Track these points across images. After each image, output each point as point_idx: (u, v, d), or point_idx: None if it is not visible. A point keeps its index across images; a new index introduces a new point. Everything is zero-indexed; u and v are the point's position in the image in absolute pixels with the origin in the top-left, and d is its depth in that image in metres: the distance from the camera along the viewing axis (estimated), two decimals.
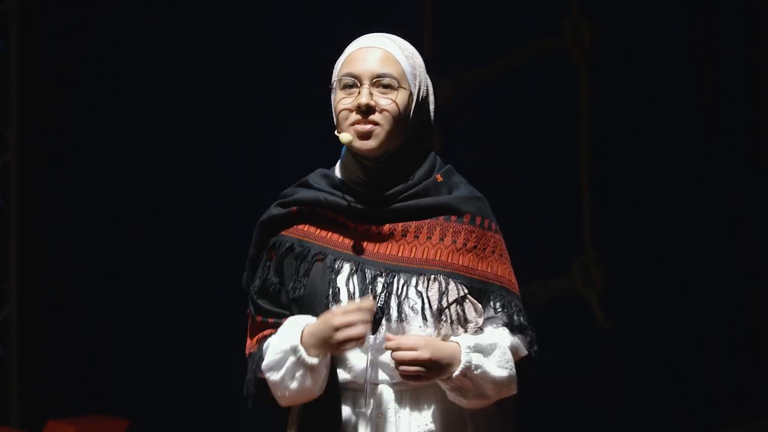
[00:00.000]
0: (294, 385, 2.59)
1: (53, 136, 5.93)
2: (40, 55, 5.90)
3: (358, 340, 2.54)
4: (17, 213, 5.89)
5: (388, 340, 2.57)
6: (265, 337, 2.68)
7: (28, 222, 5.92)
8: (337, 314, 2.54)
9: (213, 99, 5.70)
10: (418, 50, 2.80)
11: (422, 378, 2.57)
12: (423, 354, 2.55)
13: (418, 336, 2.60)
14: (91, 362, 5.83)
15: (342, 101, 2.70)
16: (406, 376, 2.56)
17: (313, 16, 5.60)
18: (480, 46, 5.34)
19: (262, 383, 2.66)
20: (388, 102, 2.66)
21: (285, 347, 2.60)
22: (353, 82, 2.69)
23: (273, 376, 2.62)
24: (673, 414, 5.13)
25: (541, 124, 5.41)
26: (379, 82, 2.67)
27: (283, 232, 2.72)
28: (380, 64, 2.68)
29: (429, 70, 2.81)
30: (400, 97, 2.67)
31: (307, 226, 2.71)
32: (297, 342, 2.58)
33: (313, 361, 2.56)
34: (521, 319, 2.70)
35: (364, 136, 2.66)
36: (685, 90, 5.14)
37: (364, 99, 2.66)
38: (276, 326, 2.67)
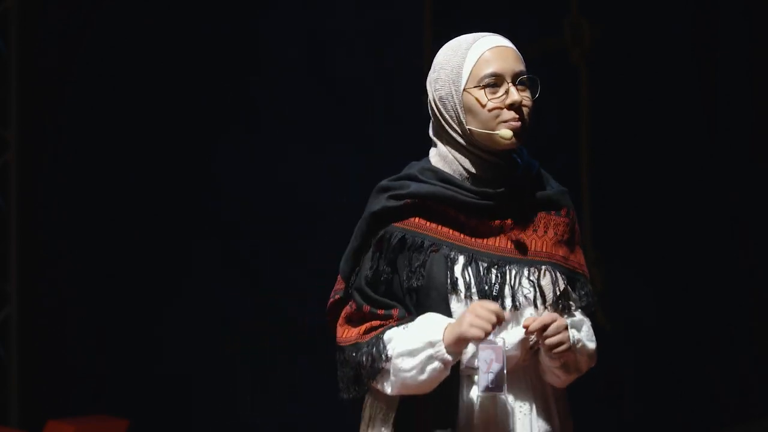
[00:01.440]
0: (423, 377, 2.68)
1: (53, 136, 5.93)
2: (40, 55, 5.90)
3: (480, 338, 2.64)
4: (17, 213, 5.89)
5: (525, 327, 2.68)
6: (374, 328, 2.75)
7: (28, 222, 5.91)
8: (472, 311, 2.64)
9: (212, 99, 5.70)
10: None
11: (564, 345, 2.70)
12: (562, 321, 2.69)
13: (549, 314, 2.72)
14: (91, 362, 5.82)
15: (490, 101, 2.77)
16: (551, 348, 2.68)
17: (312, 16, 5.60)
18: None
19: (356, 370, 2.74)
20: (528, 99, 2.80)
21: (424, 339, 2.68)
22: (495, 81, 2.77)
23: (404, 363, 2.69)
24: (673, 414, 5.13)
25: (541, 124, 5.40)
26: (519, 80, 2.79)
27: (394, 224, 2.77)
28: (517, 62, 2.81)
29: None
30: (532, 94, 2.82)
31: (418, 219, 2.77)
32: (438, 337, 2.66)
33: (449, 357, 2.66)
34: (593, 306, 2.88)
35: (517, 134, 2.76)
36: (685, 90, 5.14)
37: (517, 97, 2.77)
38: (385, 318, 2.74)
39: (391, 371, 2.70)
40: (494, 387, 2.69)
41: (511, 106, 2.76)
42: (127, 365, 5.74)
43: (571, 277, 2.82)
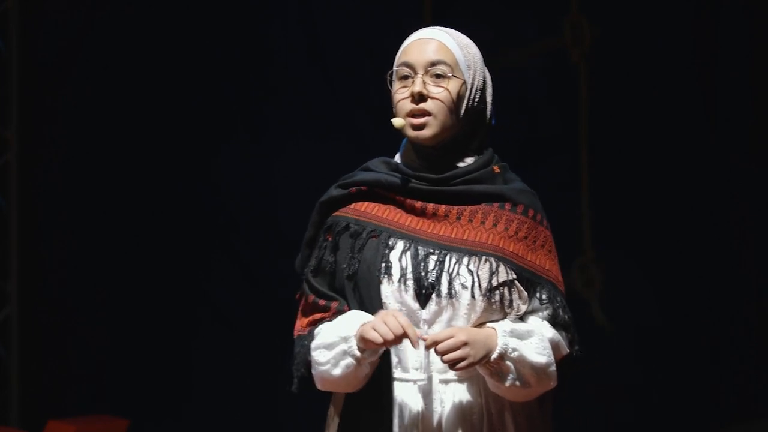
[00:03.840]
0: (337, 371, 2.67)
1: (53, 136, 5.93)
2: (40, 54, 5.89)
3: (379, 345, 2.60)
4: (17, 213, 5.89)
5: (423, 339, 2.63)
6: (316, 322, 2.76)
7: (28, 222, 5.91)
8: (382, 316, 2.62)
9: (213, 99, 5.70)
10: None
11: (465, 362, 2.61)
12: (460, 336, 2.60)
13: (450, 327, 2.66)
14: (91, 362, 5.82)
15: (398, 92, 2.77)
16: (452, 364, 2.61)
17: (313, 21, 5.60)
18: (480, 46, 5.34)
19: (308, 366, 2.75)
20: (440, 90, 2.74)
21: (340, 334, 2.67)
22: (408, 73, 2.76)
23: (320, 357, 2.70)
24: (673, 414, 5.13)
25: (541, 124, 5.41)
26: (432, 71, 2.74)
27: (339, 212, 2.79)
28: (434, 53, 2.76)
29: None
30: (453, 85, 2.75)
31: (364, 206, 2.78)
32: (351, 333, 2.65)
33: (359, 354, 2.64)
34: (566, 316, 2.77)
35: (418, 128, 2.73)
36: (685, 90, 5.14)
37: (417, 87, 2.73)
38: (326, 309, 2.75)
39: (312, 364, 2.71)
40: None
41: (412, 97, 2.73)
42: (127, 365, 5.74)
43: (529, 278, 2.74)
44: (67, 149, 5.87)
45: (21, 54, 5.87)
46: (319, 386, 2.74)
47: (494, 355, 2.63)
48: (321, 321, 2.75)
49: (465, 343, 2.60)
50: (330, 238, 2.77)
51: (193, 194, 5.70)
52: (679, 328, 5.14)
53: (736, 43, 5.10)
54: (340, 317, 2.71)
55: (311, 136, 5.52)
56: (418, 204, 2.75)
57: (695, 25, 5.15)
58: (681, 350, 5.13)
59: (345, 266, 2.73)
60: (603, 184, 5.28)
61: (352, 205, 2.79)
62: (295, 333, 2.81)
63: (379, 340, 2.58)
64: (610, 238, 5.27)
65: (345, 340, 2.65)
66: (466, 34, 2.87)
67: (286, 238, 5.75)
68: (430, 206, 2.74)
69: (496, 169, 2.80)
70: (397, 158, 2.83)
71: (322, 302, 2.76)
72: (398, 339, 2.59)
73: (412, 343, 2.60)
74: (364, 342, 2.62)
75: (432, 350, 2.62)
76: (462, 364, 2.60)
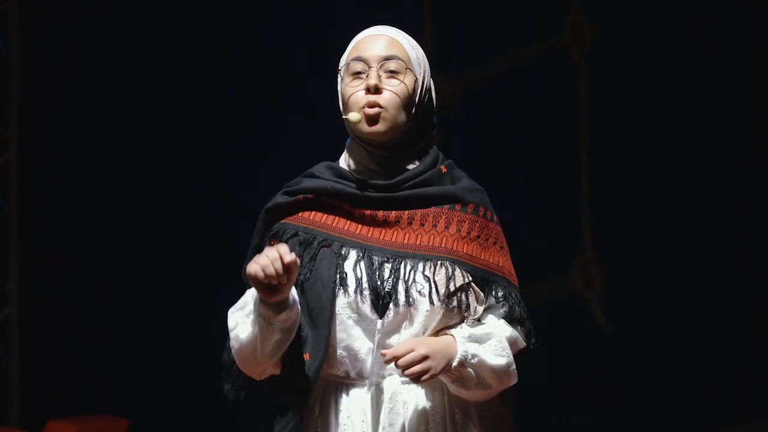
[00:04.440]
0: (244, 334, 2.64)
1: (53, 136, 5.93)
2: (40, 54, 5.89)
3: (261, 278, 2.54)
4: (17, 213, 5.89)
5: (382, 355, 2.60)
6: None
7: (28, 222, 5.91)
8: (267, 249, 2.58)
9: (213, 98, 5.70)
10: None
11: (428, 374, 2.58)
12: (420, 350, 2.57)
13: (409, 340, 2.62)
14: (91, 362, 5.82)
15: (350, 86, 2.73)
16: (414, 378, 2.59)
17: (311, 16, 5.60)
18: (480, 46, 5.34)
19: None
20: (396, 83, 2.70)
21: (247, 296, 2.68)
22: (361, 67, 2.73)
23: (231, 321, 2.68)
24: (673, 414, 5.13)
25: (541, 124, 5.41)
26: (386, 66, 2.71)
27: (287, 220, 2.75)
28: (387, 48, 2.74)
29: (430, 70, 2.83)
30: (407, 79, 2.72)
31: (312, 215, 2.73)
32: (255, 292, 2.61)
33: (261, 308, 2.58)
34: (521, 311, 2.74)
35: (372, 120, 2.69)
36: (685, 90, 5.14)
37: (372, 80, 2.69)
38: None
39: (230, 335, 2.70)
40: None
41: (367, 90, 2.69)
42: (127, 365, 5.74)
43: (483, 278, 2.71)
44: (67, 149, 5.87)
45: (21, 54, 5.87)
46: (238, 362, 2.71)
47: (455, 363, 2.61)
48: None
49: (426, 357, 2.57)
50: (275, 245, 2.68)
51: (193, 194, 5.70)
52: (679, 328, 5.14)
53: (736, 43, 5.09)
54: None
55: (311, 135, 5.52)
56: (368, 211, 2.70)
57: (695, 25, 5.15)
58: (681, 350, 5.12)
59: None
60: (603, 184, 5.28)
61: (300, 214, 2.74)
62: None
63: (260, 272, 2.53)
64: (610, 238, 5.26)
65: (252, 297, 2.63)
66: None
67: None
68: (381, 213, 2.70)
69: (443, 169, 2.76)
70: (342, 162, 2.78)
71: None
72: (280, 269, 2.52)
73: (289, 264, 2.53)
74: (255, 287, 2.56)
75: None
76: (424, 377, 2.58)
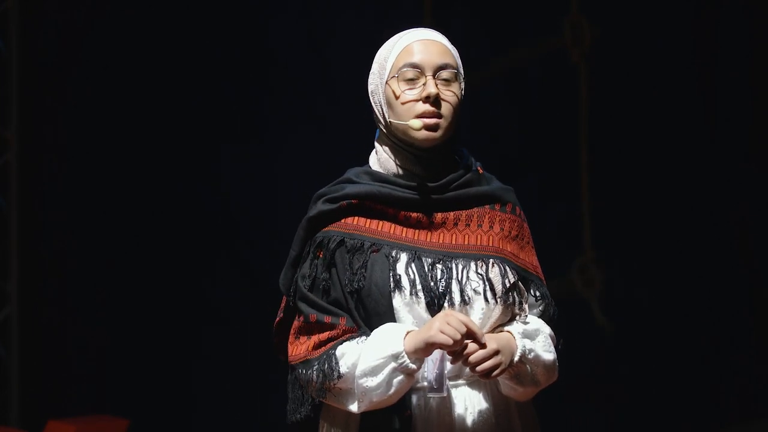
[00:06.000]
0: (391, 392, 2.59)
1: (53, 136, 5.93)
2: (40, 54, 5.89)
3: (449, 346, 2.54)
4: (17, 213, 5.89)
5: (449, 354, 2.58)
6: (323, 343, 2.66)
7: (28, 222, 5.91)
8: (443, 318, 2.56)
9: (214, 99, 5.70)
10: None
11: (499, 369, 2.58)
12: (491, 345, 2.57)
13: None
14: (91, 362, 5.82)
15: (406, 93, 2.70)
16: (486, 374, 2.58)
17: (315, 20, 5.60)
18: (480, 46, 5.34)
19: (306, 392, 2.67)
20: (450, 94, 2.69)
21: (386, 353, 2.59)
22: (415, 75, 2.70)
23: (368, 382, 2.59)
24: (673, 414, 5.13)
25: (541, 124, 5.41)
26: (440, 74, 2.69)
27: (330, 227, 2.71)
28: (441, 55, 2.71)
29: None
30: (458, 88, 2.71)
31: (356, 220, 2.71)
32: (400, 348, 2.58)
33: (414, 367, 2.58)
34: (553, 311, 2.78)
35: (432, 128, 2.68)
36: (685, 90, 5.14)
37: (433, 89, 2.68)
38: (333, 327, 2.65)
39: (356, 391, 2.61)
40: (437, 388, 2.62)
41: (427, 99, 2.67)
42: (127, 365, 5.74)
43: (524, 277, 2.73)
44: (67, 149, 5.88)
45: (21, 54, 5.87)
46: (362, 409, 2.63)
47: (515, 359, 2.62)
48: (329, 340, 2.66)
49: (497, 351, 2.58)
50: (321, 254, 2.68)
51: (193, 194, 5.70)
52: (679, 328, 5.14)
53: (736, 43, 5.10)
54: (374, 336, 2.62)
55: (311, 136, 5.52)
56: (414, 214, 2.69)
57: (695, 25, 5.15)
58: (681, 350, 5.12)
59: (347, 282, 2.64)
60: (603, 184, 5.28)
61: (343, 220, 2.70)
62: (296, 358, 2.69)
63: (449, 341, 2.52)
64: (610, 238, 5.27)
65: (395, 357, 2.58)
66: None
67: (286, 238, 5.75)
68: (427, 215, 2.69)
69: (480, 170, 2.79)
70: (375, 166, 2.77)
71: (327, 319, 2.66)
72: (464, 337, 2.54)
73: (478, 339, 2.55)
74: (427, 349, 2.55)
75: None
76: (495, 372, 2.58)
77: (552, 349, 2.70)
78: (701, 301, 5.11)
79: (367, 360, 2.60)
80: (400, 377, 2.58)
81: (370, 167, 2.77)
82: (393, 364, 2.57)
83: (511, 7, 5.35)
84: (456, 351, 2.56)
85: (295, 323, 2.71)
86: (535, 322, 2.72)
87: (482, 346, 2.56)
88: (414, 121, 2.67)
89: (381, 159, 2.76)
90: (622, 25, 5.21)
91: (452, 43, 2.78)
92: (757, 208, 5.08)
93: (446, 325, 2.54)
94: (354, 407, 2.62)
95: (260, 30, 5.68)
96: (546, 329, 2.73)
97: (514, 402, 2.71)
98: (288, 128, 5.59)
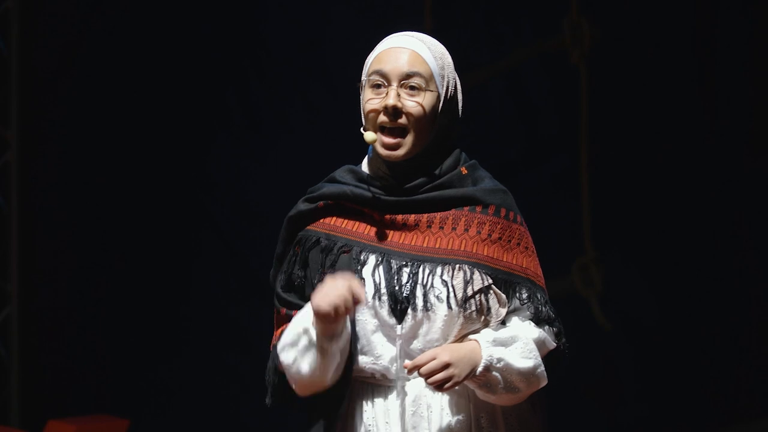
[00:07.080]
0: (305, 367, 2.61)
1: (53, 136, 5.93)
2: (40, 55, 5.90)
3: (334, 310, 2.52)
4: (17, 213, 5.89)
5: (405, 367, 2.59)
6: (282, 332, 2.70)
7: (28, 222, 5.92)
8: (328, 281, 2.56)
9: (212, 98, 5.70)
10: None
11: (450, 382, 2.57)
12: (442, 357, 2.56)
13: (432, 349, 2.61)
14: (91, 362, 5.83)
15: (370, 101, 2.69)
16: (438, 386, 2.58)
17: (312, 16, 5.60)
18: (480, 47, 5.34)
19: (283, 375, 2.68)
20: (414, 105, 2.66)
21: (298, 329, 2.62)
22: (381, 82, 2.68)
23: (286, 357, 2.63)
24: (673, 414, 5.13)
25: (541, 124, 5.41)
26: (407, 83, 2.67)
27: (309, 227, 2.73)
28: (409, 64, 2.68)
29: None
30: (427, 99, 2.68)
31: (333, 220, 2.72)
32: (309, 324, 2.59)
33: (322, 342, 2.57)
34: (548, 311, 2.72)
35: (391, 147, 2.67)
36: (685, 90, 5.14)
37: (391, 100, 2.66)
38: None
39: (284, 369, 2.65)
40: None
41: (385, 110, 2.66)
42: (127, 365, 5.74)
43: (506, 280, 2.69)
44: (67, 149, 5.88)
45: (21, 54, 5.87)
46: (298, 391, 2.66)
47: (480, 369, 2.60)
48: None
49: (448, 364, 2.56)
50: (299, 253, 2.70)
51: (193, 194, 5.71)
52: (678, 328, 5.14)
53: (736, 43, 5.09)
54: (297, 313, 2.65)
55: (310, 133, 5.52)
56: (387, 216, 2.68)
57: (695, 26, 5.15)
58: (680, 350, 5.12)
59: (316, 281, 2.65)
60: (603, 184, 5.28)
61: (321, 220, 2.72)
62: (271, 345, 2.74)
63: (331, 310, 2.51)
64: (610, 238, 5.26)
65: (306, 331, 2.60)
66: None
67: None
68: (399, 217, 2.68)
69: (464, 171, 2.73)
70: (364, 165, 2.77)
71: (294, 313, 2.68)
72: (349, 304, 2.52)
73: (359, 298, 2.53)
74: (319, 320, 2.55)
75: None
76: (447, 385, 2.57)
77: (533, 355, 2.65)
78: (701, 300, 5.10)
79: (285, 336, 2.64)
80: (312, 352, 2.59)
81: (360, 166, 2.78)
82: (305, 339, 2.60)
83: (511, 8, 5.34)
84: (408, 365, 2.57)
85: (275, 315, 2.75)
86: (514, 329, 2.67)
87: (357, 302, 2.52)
88: (368, 134, 2.67)
89: (369, 158, 2.76)
90: (622, 26, 5.21)
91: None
92: (757, 208, 5.08)
93: (332, 292, 2.53)
94: (294, 386, 2.65)
95: (260, 29, 5.68)
96: (529, 334, 2.67)
97: (499, 408, 2.68)
98: (286, 126, 5.60)
